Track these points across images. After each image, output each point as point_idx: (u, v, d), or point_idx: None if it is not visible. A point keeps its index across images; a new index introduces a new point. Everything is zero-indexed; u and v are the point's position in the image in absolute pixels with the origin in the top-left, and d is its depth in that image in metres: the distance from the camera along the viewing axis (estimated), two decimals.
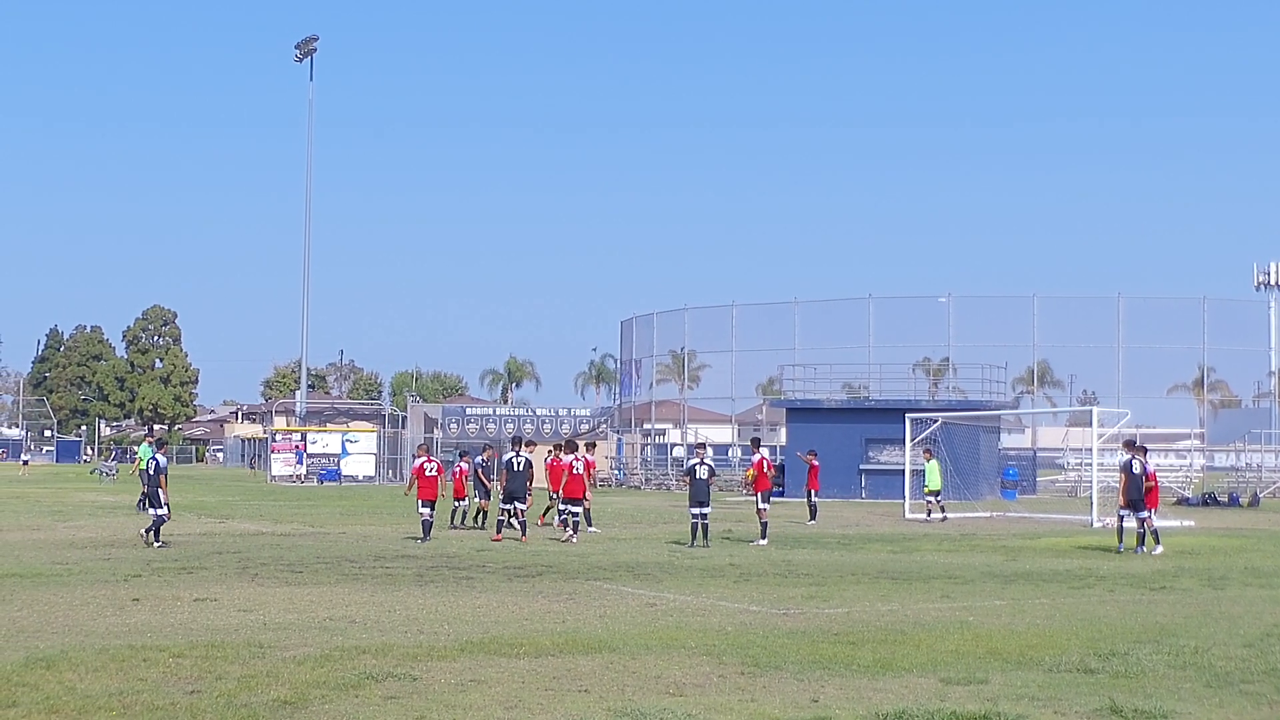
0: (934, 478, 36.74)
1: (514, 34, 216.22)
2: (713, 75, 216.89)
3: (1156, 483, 26.38)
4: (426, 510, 27.01)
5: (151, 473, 25.42)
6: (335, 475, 69.64)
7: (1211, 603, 17.17)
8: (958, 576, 20.22)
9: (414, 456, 30.65)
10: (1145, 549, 24.97)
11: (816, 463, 36.85)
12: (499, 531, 26.99)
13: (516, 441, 28.59)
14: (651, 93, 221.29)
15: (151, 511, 25.28)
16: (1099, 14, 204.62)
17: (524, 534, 26.75)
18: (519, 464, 27.47)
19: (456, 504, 31.61)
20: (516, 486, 27.14)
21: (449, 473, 32.31)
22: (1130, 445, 27.41)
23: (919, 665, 11.87)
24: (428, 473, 27.45)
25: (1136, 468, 25.81)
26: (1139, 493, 25.53)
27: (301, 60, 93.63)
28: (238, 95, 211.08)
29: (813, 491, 36.08)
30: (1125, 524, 25.81)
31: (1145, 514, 25.40)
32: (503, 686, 10.66)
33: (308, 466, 71.41)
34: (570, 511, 27.37)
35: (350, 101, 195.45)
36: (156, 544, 24.50)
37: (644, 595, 17.55)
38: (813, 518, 34.61)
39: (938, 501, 36.63)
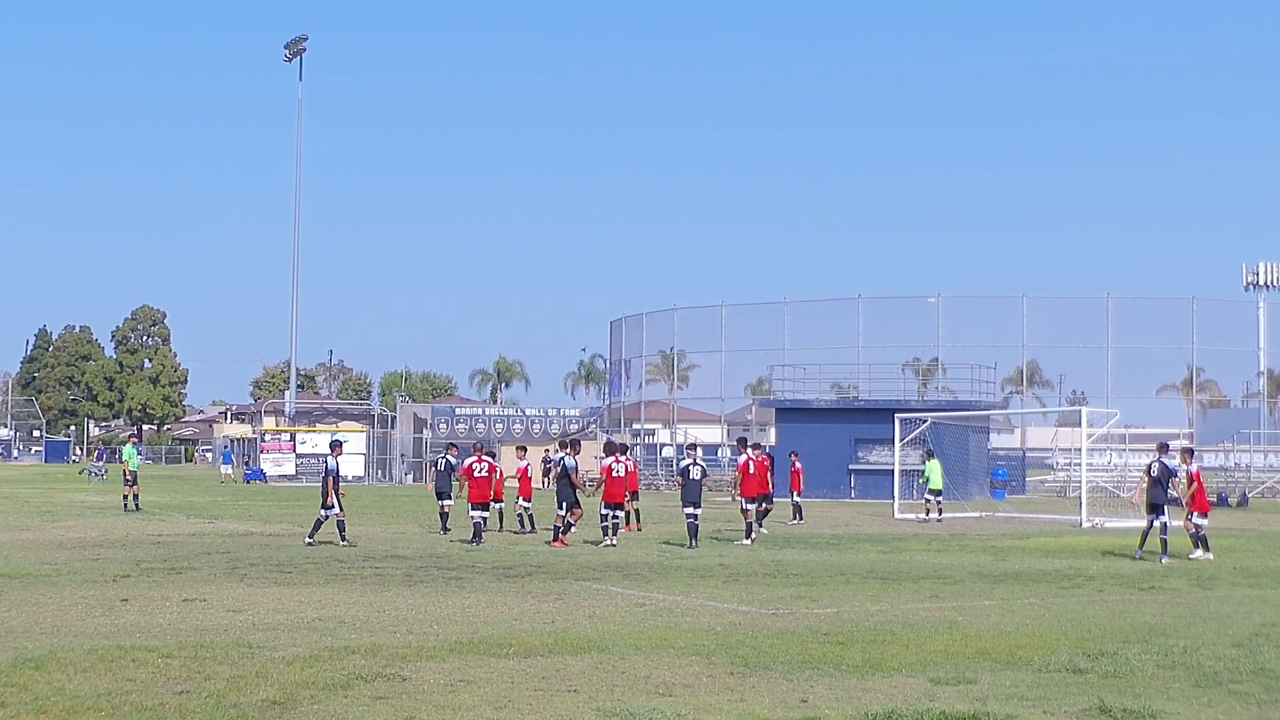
0: (935, 477, 36.92)
1: (503, 35, 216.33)
2: (702, 77, 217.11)
3: (1201, 484, 25.07)
4: (477, 513, 26.33)
5: (323, 474, 25.91)
6: (260, 475, 70.44)
7: (1200, 603, 17.20)
8: (947, 576, 20.25)
9: (446, 454, 29.06)
10: (1166, 557, 23.73)
11: (799, 465, 36.90)
12: (557, 538, 26.08)
13: (565, 444, 27.89)
14: (641, 94, 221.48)
15: (322, 512, 25.55)
16: (1088, 15, 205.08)
17: (556, 539, 25.93)
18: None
19: (496, 505, 30.06)
20: (565, 489, 26.54)
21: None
22: (1163, 448, 26.06)
23: (908, 665, 11.88)
24: (477, 474, 26.69)
25: (1156, 470, 25.07)
26: (1163, 496, 24.76)
27: (291, 60, 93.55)
28: (227, 95, 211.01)
29: (795, 493, 36.12)
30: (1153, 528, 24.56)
31: (1164, 519, 24.41)
32: (492, 687, 10.66)
33: (240, 467, 73.17)
34: (612, 515, 26.33)
35: (340, 101, 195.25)
36: (310, 542, 25.05)
37: (633, 595, 17.56)
38: (796, 517, 34.63)
39: (937, 501, 36.77)
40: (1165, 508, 24.62)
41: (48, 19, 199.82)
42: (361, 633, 13.66)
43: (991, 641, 13.28)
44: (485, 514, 26.66)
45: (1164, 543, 24.13)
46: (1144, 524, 25.03)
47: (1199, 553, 23.97)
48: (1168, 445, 26.79)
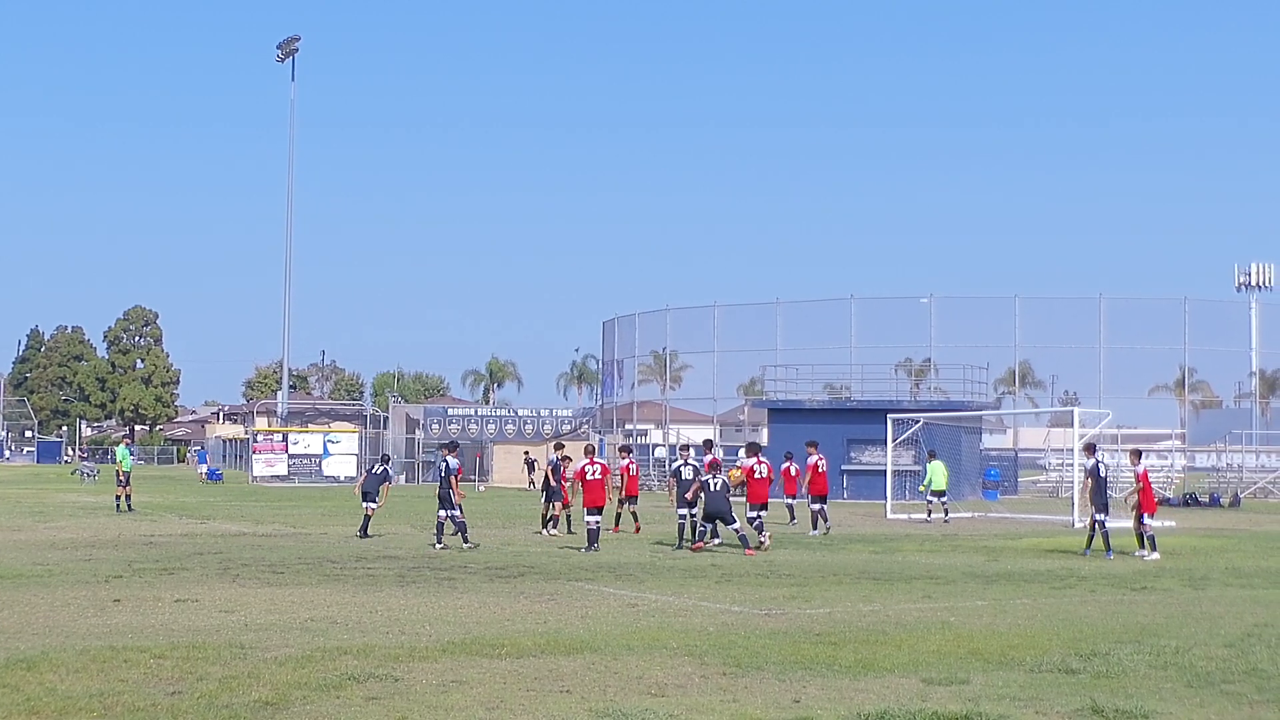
0: (939, 478, 37.00)
1: (496, 35, 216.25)
2: (695, 77, 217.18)
3: (1148, 484, 25.49)
4: (593, 518, 25.43)
5: (443, 474, 25.76)
6: (217, 475, 70.85)
7: (1192, 603, 17.22)
8: (939, 577, 20.26)
9: (555, 457, 27.54)
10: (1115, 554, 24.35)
11: (796, 467, 36.81)
12: (703, 540, 25.49)
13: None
14: (633, 94, 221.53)
15: (441, 513, 25.45)
16: (1081, 16, 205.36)
17: (749, 546, 24.84)
18: (717, 483, 25.31)
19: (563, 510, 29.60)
20: (718, 506, 25.09)
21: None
22: (1091, 449, 26.55)
23: (901, 665, 11.89)
24: (590, 476, 25.91)
25: (1103, 471, 25.65)
26: (1106, 495, 25.33)
27: (283, 60, 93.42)
28: (220, 95, 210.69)
29: (791, 496, 36.09)
30: (1105, 528, 24.85)
31: (1103, 518, 24.84)
32: (484, 687, 10.66)
33: (207, 467, 74.97)
34: (759, 518, 26.17)
35: (332, 102, 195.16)
36: (439, 545, 24.90)
37: (626, 596, 17.56)
38: (793, 519, 34.65)
39: (941, 502, 36.88)
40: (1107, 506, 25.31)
41: (43, 19, 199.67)
42: (354, 633, 13.66)
43: (984, 642, 13.29)
44: (599, 518, 25.74)
45: (1105, 537, 24.71)
46: (1104, 527, 25.05)
47: (1143, 552, 24.30)
48: (1094, 445, 27.19)
